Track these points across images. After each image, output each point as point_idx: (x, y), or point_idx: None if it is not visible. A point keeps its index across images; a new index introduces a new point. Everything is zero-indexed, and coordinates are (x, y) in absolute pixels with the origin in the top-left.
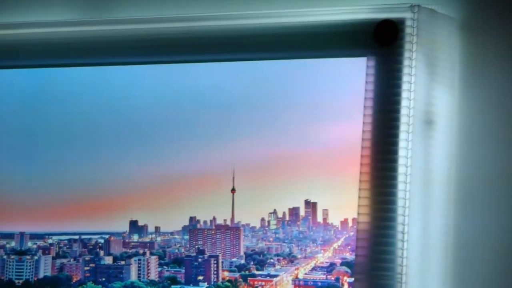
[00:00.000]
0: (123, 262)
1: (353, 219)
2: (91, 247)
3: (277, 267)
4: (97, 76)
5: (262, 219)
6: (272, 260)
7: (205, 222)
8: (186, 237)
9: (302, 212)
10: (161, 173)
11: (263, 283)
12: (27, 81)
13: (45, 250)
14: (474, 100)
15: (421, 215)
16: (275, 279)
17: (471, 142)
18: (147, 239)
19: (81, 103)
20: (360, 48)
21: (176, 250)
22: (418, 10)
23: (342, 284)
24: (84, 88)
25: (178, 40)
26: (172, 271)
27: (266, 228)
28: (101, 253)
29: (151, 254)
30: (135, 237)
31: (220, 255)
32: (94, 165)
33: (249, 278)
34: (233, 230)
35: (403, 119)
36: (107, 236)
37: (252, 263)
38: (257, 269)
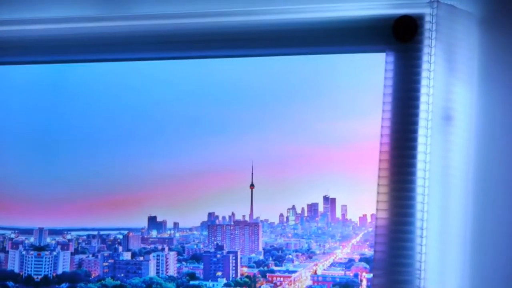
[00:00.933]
0: (141, 258)
1: (372, 215)
2: (109, 243)
3: (296, 263)
4: (115, 72)
5: (281, 215)
6: (290, 256)
7: (223, 218)
8: (205, 233)
9: (320, 208)
10: (180, 169)
11: (282, 279)
12: (45, 77)
13: (64, 246)
14: (493, 96)
15: (439, 211)
16: (293, 275)
17: (490, 138)
18: (165, 235)
19: (99, 99)
20: (379, 44)
21: (195, 246)
22: (437, 6)
23: (361, 280)
24: (102, 84)
25: (196, 35)
26: (191, 267)
27: (285, 224)
28: (120, 249)
29: (170, 250)
30: (154, 233)
31: (238, 251)
32: (112, 161)
33: (267, 274)
34: (251, 226)
35: (422, 115)
36: (125, 232)
37: (270, 259)
38: (276, 265)
